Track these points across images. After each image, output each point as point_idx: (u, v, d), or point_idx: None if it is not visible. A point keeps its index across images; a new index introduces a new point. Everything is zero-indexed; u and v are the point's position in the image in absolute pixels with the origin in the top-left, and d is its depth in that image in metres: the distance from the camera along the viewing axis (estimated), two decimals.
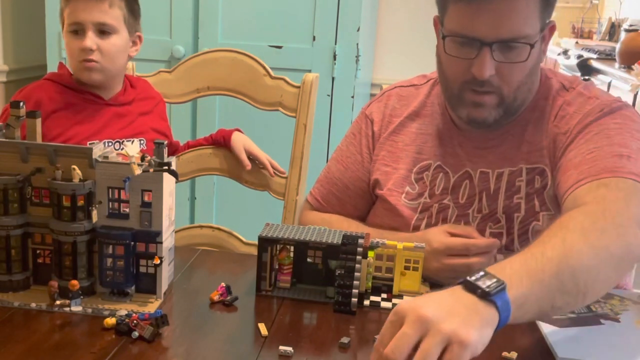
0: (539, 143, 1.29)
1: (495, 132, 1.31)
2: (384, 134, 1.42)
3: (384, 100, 1.46)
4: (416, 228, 1.33)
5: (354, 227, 1.36)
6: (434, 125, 1.38)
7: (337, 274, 1.13)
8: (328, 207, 1.47)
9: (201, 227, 1.87)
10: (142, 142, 1.69)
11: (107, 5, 1.62)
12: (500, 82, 1.23)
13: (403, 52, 3.13)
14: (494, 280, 0.82)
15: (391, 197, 1.36)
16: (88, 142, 1.60)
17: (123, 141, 1.65)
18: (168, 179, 1.11)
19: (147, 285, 1.14)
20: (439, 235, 1.23)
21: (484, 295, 0.80)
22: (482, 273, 0.84)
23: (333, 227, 1.36)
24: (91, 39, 1.61)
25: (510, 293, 0.82)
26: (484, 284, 0.81)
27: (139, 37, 1.74)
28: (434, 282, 1.23)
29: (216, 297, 1.14)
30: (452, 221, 1.31)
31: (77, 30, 1.62)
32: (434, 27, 1.33)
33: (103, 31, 1.63)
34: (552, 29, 1.28)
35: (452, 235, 1.24)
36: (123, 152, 1.10)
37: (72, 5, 1.62)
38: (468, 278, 0.83)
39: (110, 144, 1.63)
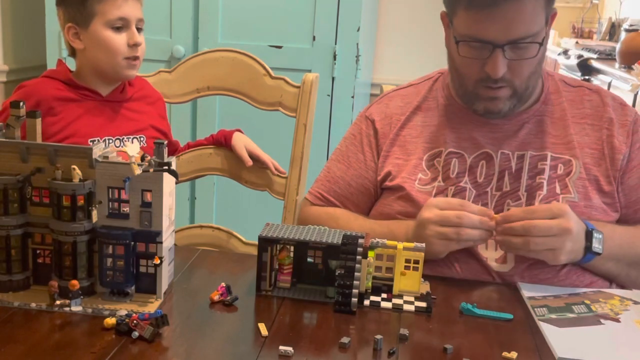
0: (565, 137, 1.37)
1: (513, 120, 1.38)
2: (393, 130, 1.45)
3: (384, 101, 1.51)
4: None
5: (360, 220, 1.41)
6: (440, 116, 1.43)
7: (337, 274, 1.13)
8: (329, 205, 1.48)
9: (201, 227, 1.87)
10: (142, 139, 1.69)
11: (141, 1, 1.66)
12: (512, 76, 1.30)
13: (403, 52, 3.13)
14: (600, 247, 1.24)
15: (405, 184, 1.39)
16: (89, 140, 1.60)
17: (124, 138, 1.65)
18: (168, 179, 1.11)
19: (147, 285, 1.14)
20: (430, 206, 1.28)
21: (589, 248, 1.24)
22: (601, 236, 1.24)
23: (339, 220, 1.41)
24: (138, 35, 1.63)
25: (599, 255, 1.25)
26: (597, 245, 1.24)
27: None
28: (430, 279, 1.24)
29: (216, 297, 1.14)
30: (470, 201, 1.34)
31: (121, 27, 1.62)
32: (442, 21, 1.39)
33: (139, 27, 1.65)
34: (554, 16, 1.34)
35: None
36: (123, 149, 1.10)
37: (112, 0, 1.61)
38: (594, 233, 1.24)
39: (110, 141, 1.63)
